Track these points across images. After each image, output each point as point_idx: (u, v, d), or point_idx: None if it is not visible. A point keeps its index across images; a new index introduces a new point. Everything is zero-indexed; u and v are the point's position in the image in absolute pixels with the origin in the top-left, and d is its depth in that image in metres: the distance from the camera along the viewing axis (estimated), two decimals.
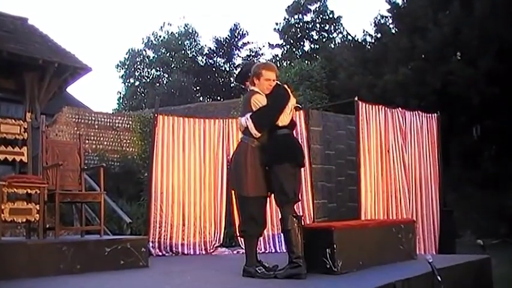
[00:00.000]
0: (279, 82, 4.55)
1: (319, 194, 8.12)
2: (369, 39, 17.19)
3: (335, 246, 4.29)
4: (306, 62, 18.99)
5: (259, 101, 4.37)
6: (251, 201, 4.31)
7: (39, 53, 10.32)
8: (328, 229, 4.42)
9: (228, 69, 32.47)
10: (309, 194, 7.13)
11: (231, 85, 31.47)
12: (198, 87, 31.01)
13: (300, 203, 7.07)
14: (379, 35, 16.66)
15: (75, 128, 13.25)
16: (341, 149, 8.91)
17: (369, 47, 16.91)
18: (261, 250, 6.37)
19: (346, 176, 8.72)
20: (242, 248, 5.75)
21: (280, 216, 4.36)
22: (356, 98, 6.85)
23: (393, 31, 16.33)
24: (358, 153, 6.68)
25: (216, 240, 7.08)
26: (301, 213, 6.98)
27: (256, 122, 4.31)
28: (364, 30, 17.12)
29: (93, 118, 13.97)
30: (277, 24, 28.76)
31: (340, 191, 8.73)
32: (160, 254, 6.66)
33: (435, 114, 7.84)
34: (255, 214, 4.32)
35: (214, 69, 32.03)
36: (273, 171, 4.28)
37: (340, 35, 26.83)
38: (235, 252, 6.90)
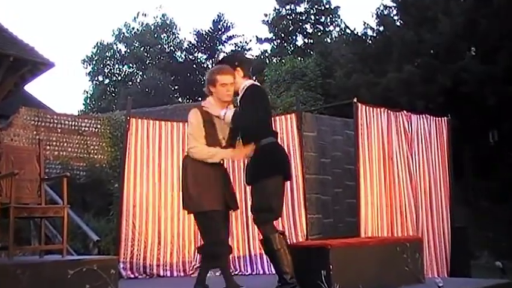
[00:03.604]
0: (256, 82, 4.66)
1: (313, 207, 8.10)
2: (370, 32, 17.31)
3: (331, 267, 4.28)
4: (299, 58, 19.11)
5: (191, 120, 4.52)
6: (212, 215, 4.36)
7: None
8: (324, 247, 4.41)
9: (210, 66, 32.48)
10: (301, 207, 7.12)
11: None
12: (176, 86, 31.05)
13: (291, 218, 7.07)
14: (381, 28, 16.78)
15: (34, 132, 13.15)
16: (338, 156, 8.91)
17: (370, 41, 17.04)
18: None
19: (343, 188, 8.71)
20: None
21: (261, 237, 4.40)
22: (355, 99, 6.86)
23: (398, 23, 16.48)
24: (357, 161, 6.68)
25: (196, 261, 7.05)
26: (292, 230, 6.99)
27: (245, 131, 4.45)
28: (364, 23, 17.19)
29: (56, 121, 13.89)
30: (266, 15, 28.98)
31: (337, 204, 8.72)
32: (132, 276, 6.61)
33: (445, 118, 7.88)
34: (218, 230, 4.39)
35: (194, 66, 32.12)
36: (258, 185, 4.33)
37: (338, 28, 27.08)
38: (217, 274, 6.84)
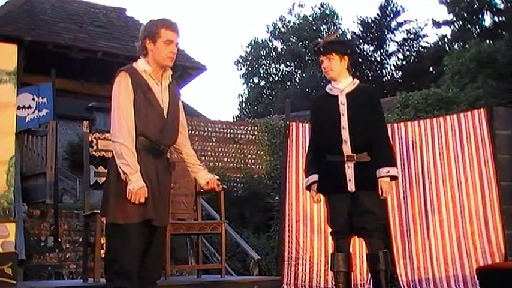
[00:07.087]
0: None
1: None
2: None
3: None
4: (487, 41, 18.22)
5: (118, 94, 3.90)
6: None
7: None
8: None
9: (378, 58, 32.16)
10: (496, 221, 6.74)
11: (383, 79, 31.11)
12: None
13: (484, 234, 6.72)
14: None
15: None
16: None
17: None
18: None
19: None
20: None
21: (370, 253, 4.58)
22: None
23: None
24: None
25: (368, 283, 6.97)
26: (486, 248, 6.64)
27: None
28: None
29: (210, 129, 14.43)
30: None
31: None
32: None
33: None
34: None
35: (360, 59, 31.91)
36: (375, 194, 4.55)
37: None
38: None
